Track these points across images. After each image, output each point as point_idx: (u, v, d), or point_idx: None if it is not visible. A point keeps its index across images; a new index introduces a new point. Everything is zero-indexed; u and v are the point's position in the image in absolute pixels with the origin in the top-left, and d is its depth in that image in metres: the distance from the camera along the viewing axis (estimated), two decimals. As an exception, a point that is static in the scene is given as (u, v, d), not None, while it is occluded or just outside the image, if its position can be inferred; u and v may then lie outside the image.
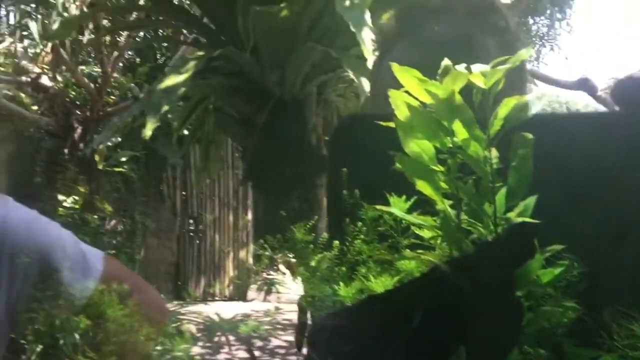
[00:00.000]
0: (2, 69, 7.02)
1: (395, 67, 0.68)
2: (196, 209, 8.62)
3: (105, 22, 5.90)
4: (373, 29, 2.28)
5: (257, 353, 5.45)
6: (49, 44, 6.67)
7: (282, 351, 5.51)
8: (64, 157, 6.96)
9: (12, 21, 6.76)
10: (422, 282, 0.65)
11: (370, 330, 0.63)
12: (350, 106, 3.76)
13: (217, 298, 8.48)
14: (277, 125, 3.22)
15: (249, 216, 8.75)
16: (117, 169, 7.15)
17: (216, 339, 5.94)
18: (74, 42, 6.73)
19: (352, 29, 2.26)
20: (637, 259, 0.78)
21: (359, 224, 0.76)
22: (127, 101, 7.09)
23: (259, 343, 5.79)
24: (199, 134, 3.74)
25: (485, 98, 0.66)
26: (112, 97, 7.36)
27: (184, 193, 8.50)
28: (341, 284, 0.71)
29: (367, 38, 2.23)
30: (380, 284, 0.69)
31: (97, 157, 6.79)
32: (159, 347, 0.75)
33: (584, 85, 5.94)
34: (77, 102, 7.07)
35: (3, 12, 6.36)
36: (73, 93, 7.04)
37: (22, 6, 6.88)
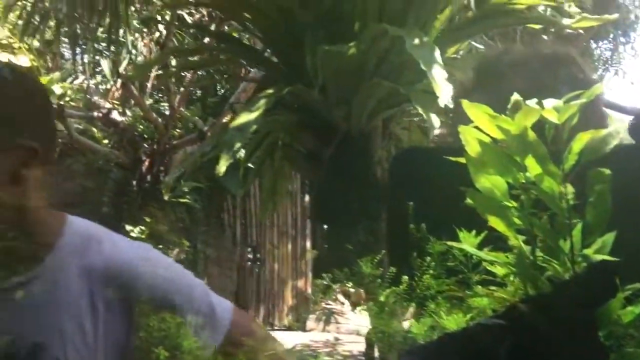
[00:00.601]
0: (75, 104, 7.37)
1: (466, 104, 0.69)
2: (255, 238, 8.75)
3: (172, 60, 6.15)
4: (443, 66, 2.32)
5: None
6: (119, 81, 7.00)
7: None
8: (131, 188, 7.22)
9: (84, 59, 7.12)
10: (500, 321, 0.63)
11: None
12: (415, 139, 3.79)
13: (276, 327, 8.52)
14: (343, 159, 3.27)
15: (308, 244, 8.81)
16: (182, 200, 7.35)
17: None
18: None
19: (423, 67, 2.30)
20: None
21: (427, 258, 0.75)
22: (191, 134, 7.33)
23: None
24: (264, 167, 3.82)
25: (559, 133, 0.66)
26: (177, 130, 7.62)
27: (242, 221, 8.65)
28: (412, 320, 0.71)
29: (438, 75, 2.27)
30: (453, 321, 0.68)
31: (163, 189, 7.02)
32: None
33: (652, 112, 5.76)
34: (145, 136, 7.36)
35: (77, 51, 6.69)
36: (141, 127, 7.34)
37: (95, 45, 7.22)
